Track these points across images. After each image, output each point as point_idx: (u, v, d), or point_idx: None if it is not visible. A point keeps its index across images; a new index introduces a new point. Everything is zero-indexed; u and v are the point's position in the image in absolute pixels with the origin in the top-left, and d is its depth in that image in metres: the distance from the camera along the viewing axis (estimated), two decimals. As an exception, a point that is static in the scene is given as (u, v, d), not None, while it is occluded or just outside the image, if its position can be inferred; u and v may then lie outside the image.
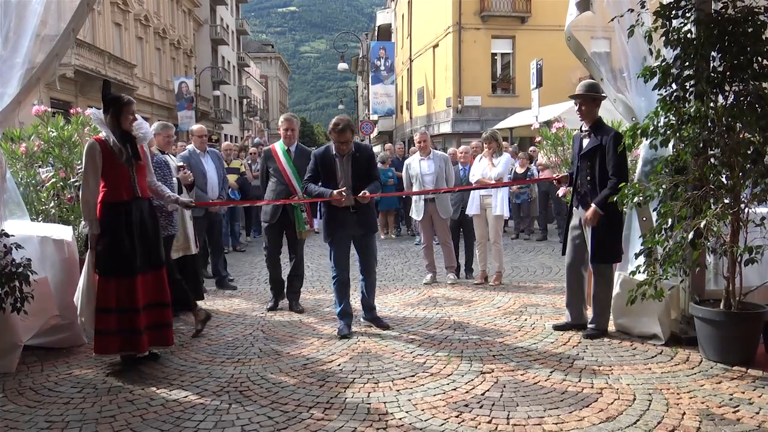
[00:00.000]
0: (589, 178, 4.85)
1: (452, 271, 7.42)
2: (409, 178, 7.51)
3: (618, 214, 4.88)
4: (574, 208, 5.09)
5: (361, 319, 5.50)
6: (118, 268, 4.27)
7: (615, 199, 4.43)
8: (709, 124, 4.09)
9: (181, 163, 6.11)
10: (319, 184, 5.28)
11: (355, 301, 5.58)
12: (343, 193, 5.02)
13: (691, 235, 4.06)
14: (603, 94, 5.02)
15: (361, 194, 5.04)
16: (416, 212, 7.42)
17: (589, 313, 5.09)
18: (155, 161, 5.21)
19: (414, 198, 7.47)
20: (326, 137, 8.14)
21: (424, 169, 7.30)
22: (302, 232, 5.92)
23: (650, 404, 3.56)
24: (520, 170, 11.57)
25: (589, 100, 4.92)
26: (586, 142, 4.93)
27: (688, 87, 4.18)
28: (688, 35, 4.17)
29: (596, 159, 4.81)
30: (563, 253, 5.20)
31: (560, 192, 6.00)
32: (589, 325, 5.01)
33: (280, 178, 5.94)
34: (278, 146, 6.07)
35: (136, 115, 4.52)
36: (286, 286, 6.16)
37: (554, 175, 5.53)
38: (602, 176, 4.79)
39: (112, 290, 4.26)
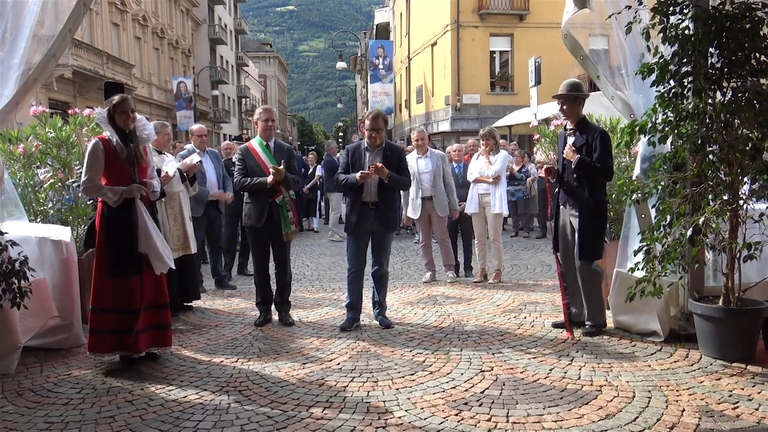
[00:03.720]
0: (575, 175, 4.85)
1: (451, 269, 7.42)
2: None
3: (603, 213, 4.92)
4: (561, 207, 5.08)
5: (373, 319, 5.52)
6: (119, 268, 4.28)
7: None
8: (708, 120, 4.09)
9: (198, 158, 6.10)
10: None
11: (367, 298, 5.64)
12: (366, 172, 5.16)
13: (689, 232, 4.06)
14: (585, 93, 5.05)
15: (380, 167, 5.15)
16: (413, 211, 7.41)
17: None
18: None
19: (410, 196, 7.47)
20: (325, 136, 8.15)
21: (421, 167, 7.29)
22: (288, 233, 5.41)
23: (649, 401, 3.56)
24: (515, 167, 11.59)
25: (571, 99, 4.93)
26: (571, 140, 4.93)
27: (686, 83, 4.18)
28: (686, 32, 4.17)
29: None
30: (555, 250, 5.18)
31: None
32: (587, 323, 5.01)
33: (262, 177, 5.39)
34: (255, 142, 5.54)
35: (140, 115, 4.50)
36: (274, 297, 5.65)
37: (544, 167, 5.36)
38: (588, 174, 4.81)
39: (108, 290, 4.26)
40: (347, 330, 5.21)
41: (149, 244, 4.31)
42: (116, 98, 4.34)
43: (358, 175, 5.18)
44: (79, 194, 5.88)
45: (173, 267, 4.51)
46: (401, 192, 6.98)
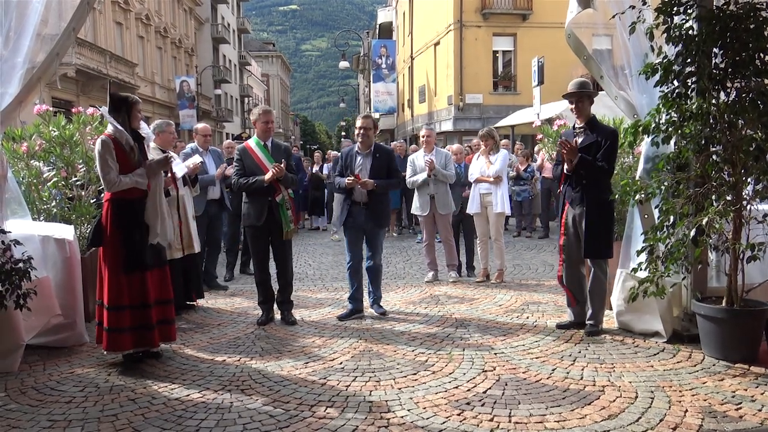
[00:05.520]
0: (583, 172, 4.83)
1: (454, 269, 7.42)
2: (414, 173, 7.50)
3: (610, 211, 4.92)
4: (568, 206, 5.07)
5: (369, 308, 5.84)
6: (132, 265, 4.30)
7: (616, 196, 4.43)
8: (711, 120, 4.08)
9: (200, 159, 6.18)
10: None
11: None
12: (351, 180, 5.54)
13: (693, 233, 4.05)
14: (595, 91, 5.06)
15: (363, 180, 5.50)
16: (420, 208, 7.41)
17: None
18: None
19: (416, 194, 7.47)
20: (327, 135, 8.23)
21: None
22: (288, 232, 5.45)
23: (652, 402, 3.55)
24: (521, 167, 11.59)
25: (585, 97, 4.94)
26: (580, 139, 4.93)
27: (689, 84, 4.17)
28: (690, 32, 4.16)
29: (592, 156, 4.79)
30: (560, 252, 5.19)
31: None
32: (588, 322, 5.01)
33: (260, 176, 5.39)
34: (253, 142, 5.58)
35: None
36: (276, 296, 5.68)
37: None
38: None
39: (124, 287, 4.28)
40: (344, 319, 5.59)
41: (155, 215, 4.40)
42: (133, 98, 4.45)
43: (346, 180, 5.58)
44: (82, 193, 5.89)
45: (168, 242, 4.61)
46: (409, 189, 7.16)
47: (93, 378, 4.18)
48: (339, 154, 15.25)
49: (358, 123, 5.77)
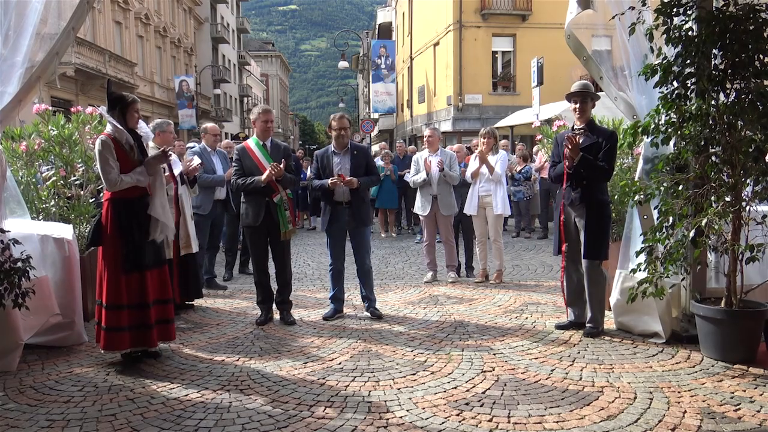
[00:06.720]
0: (584, 171, 4.83)
1: (453, 269, 7.42)
2: (417, 172, 7.50)
3: (609, 212, 4.92)
4: (567, 207, 5.06)
5: (365, 311, 5.80)
6: (131, 264, 4.30)
7: (616, 197, 4.43)
8: (710, 122, 4.09)
9: (199, 161, 6.20)
10: None
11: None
12: (335, 180, 5.47)
13: (692, 234, 4.05)
14: (597, 94, 5.07)
15: (348, 179, 5.47)
16: (421, 208, 7.40)
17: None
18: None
19: (418, 194, 7.48)
20: (326, 135, 8.25)
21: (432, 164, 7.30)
22: (286, 232, 5.45)
23: (651, 402, 3.55)
24: (517, 168, 11.61)
25: (589, 98, 4.94)
26: (581, 140, 4.91)
27: (689, 85, 4.17)
28: (690, 33, 4.16)
29: (592, 157, 4.79)
30: (555, 253, 5.19)
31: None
32: (588, 324, 5.00)
33: (259, 176, 5.36)
34: (252, 142, 5.57)
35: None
36: (275, 296, 5.67)
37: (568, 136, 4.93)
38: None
39: (122, 286, 4.29)
40: (330, 319, 5.62)
41: (156, 210, 4.40)
42: (130, 97, 4.45)
43: (329, 181, 5.50)
44: (81, 192, 5.89)
45: (168, 236, 4.64)
46: (412, 189, 7.41)
47: (91, 377, 4.18)
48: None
49: (336, 124, 5.66)
